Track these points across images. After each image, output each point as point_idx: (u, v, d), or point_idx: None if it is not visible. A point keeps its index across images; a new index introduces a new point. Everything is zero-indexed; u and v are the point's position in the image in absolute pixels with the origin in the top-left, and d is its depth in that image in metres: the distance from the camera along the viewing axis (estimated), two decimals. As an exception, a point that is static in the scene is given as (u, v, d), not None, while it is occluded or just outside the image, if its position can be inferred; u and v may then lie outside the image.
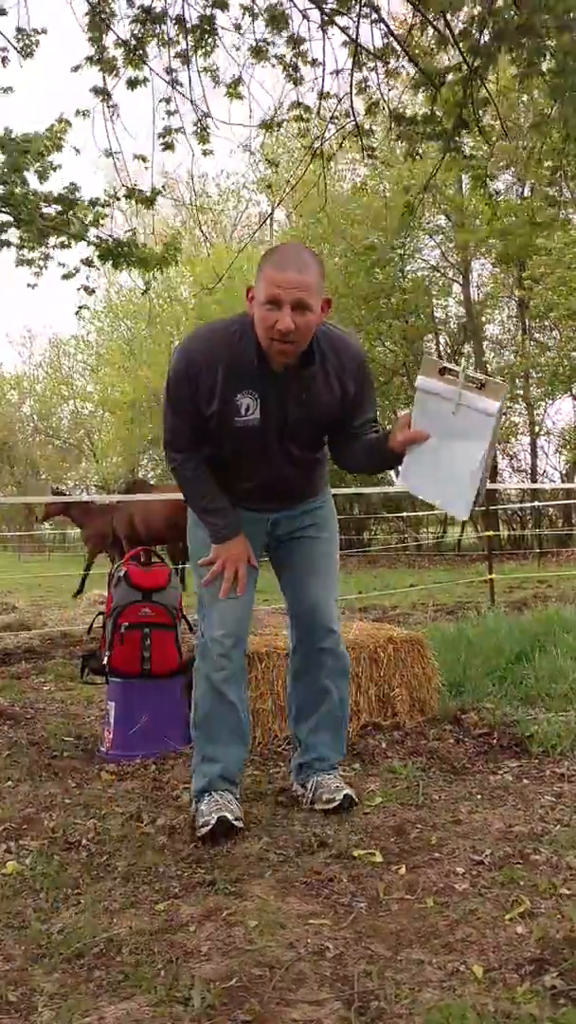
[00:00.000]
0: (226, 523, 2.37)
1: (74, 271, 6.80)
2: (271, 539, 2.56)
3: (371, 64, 5.10)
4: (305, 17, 4.90)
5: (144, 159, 5.60)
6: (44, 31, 5.22)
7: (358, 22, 4.87)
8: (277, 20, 4.89)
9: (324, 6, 4.79)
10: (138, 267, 7.07)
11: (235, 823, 2.25)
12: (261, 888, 1.94)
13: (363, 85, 5.28)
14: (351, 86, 5.19)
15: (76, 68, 5.04)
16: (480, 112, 5.30)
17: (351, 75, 5.13)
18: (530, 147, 5.50)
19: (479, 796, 2.53)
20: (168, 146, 5.35)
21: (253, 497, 2.44)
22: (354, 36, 4.89)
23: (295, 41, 5.06)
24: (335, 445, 2.44)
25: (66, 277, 6.85)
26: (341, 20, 4.91)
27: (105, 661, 3.17)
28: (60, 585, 13.44)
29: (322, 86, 5.29)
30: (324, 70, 5.17)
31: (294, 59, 5.15)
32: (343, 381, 2.29)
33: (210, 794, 2.34)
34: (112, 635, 3.17)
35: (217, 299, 21.56)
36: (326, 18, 4.80)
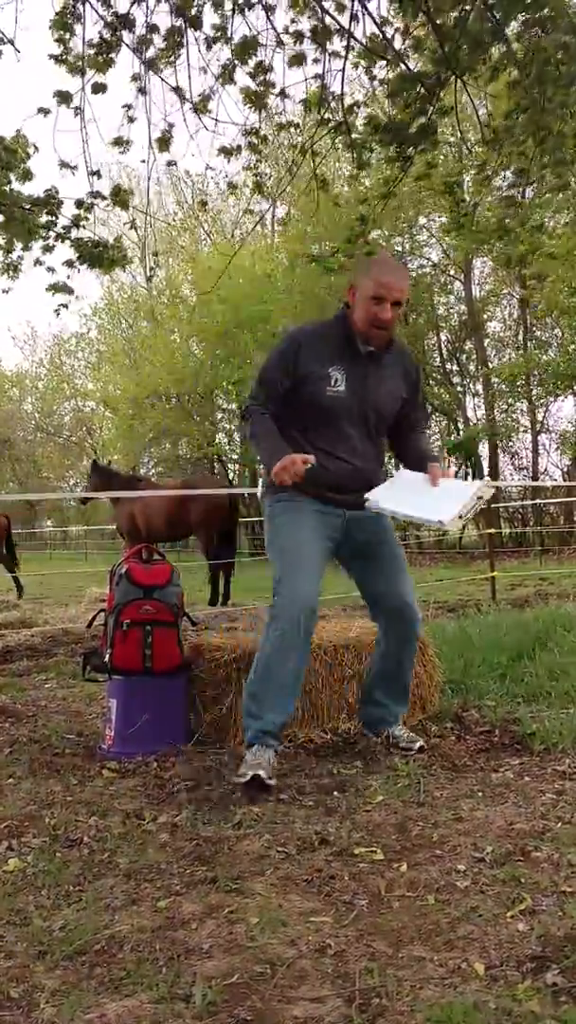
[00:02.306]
0: (280, 447, 2.75)
1: (60, 284, 6.80)
2: (349, 541, 2.92)
3: (346, 87, 5.07)
4: (280, 44, 4.83)
5: (98, 174, 5.56)
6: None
7: (351, 19, 4.84)
8: (246, 47, 4.84)
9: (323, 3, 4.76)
10: (106, 268, 7.10)
11: (268, 781, 2.56)
12: (262, 885, 1.94)
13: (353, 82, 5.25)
14: (343, 81, 5.16)
15: (57, 60, 4.97)
16: (448, 116, 5.29)
17: (343, 70, 5.09)
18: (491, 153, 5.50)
19: (480, 793, 2.53)
20: (162, 147, 5.30)
21: (336, 473, 2.83)
22: (348, 30, 4.86)
23: (263, 69, 5.01)
24: (394, 433, 3.02)
25: (54, 289, 6.83)
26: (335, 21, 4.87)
27: (107, 658, 3.17)
28: (61, 582, 13.44)
29: (321, 81, 5.24)
30: (324, 64, 5.12)
31: (260, 87, 5.09)
32: (406, 378, 2.96)
33: (252, 747, 2.69)
34: (114, 632, 3.17)
35: (221, 297, 21.60)
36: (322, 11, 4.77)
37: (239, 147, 5.35)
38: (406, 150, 5.21)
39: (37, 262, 6.74)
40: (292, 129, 5.54)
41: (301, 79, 5.23)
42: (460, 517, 2.60)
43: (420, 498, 2.70)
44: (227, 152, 5.39)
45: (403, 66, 4.92)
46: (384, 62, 4.96)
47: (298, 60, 4.84)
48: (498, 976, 1.52)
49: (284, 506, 2.85)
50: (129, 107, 5.04)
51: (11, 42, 4.91)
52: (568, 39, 4.27)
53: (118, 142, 5.24)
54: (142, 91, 4.88)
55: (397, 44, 4.92)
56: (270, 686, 2.71)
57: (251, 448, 3.06)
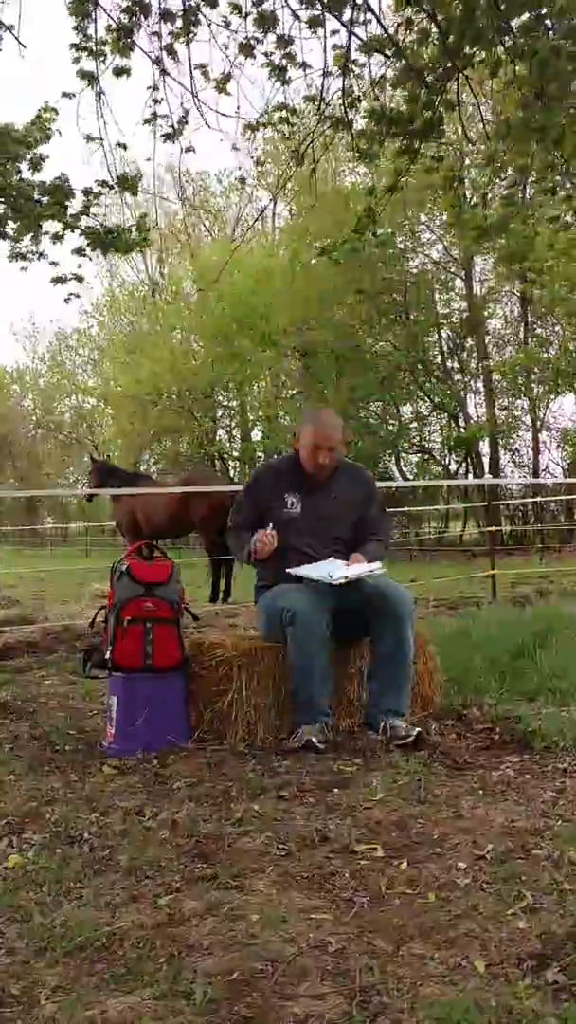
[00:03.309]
0: (247, 538, 3.39)
1: (67, 276, 6.79)
2: None
3: (361, 61, 5.07)
4: (296, 17, 4.84)
5: (124, 147, 5.58)
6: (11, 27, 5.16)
7: (352, 16, 4.83)
8: (265, 19, 4.84)
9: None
10: (121, 251, 7.10)
11: (319, 746, 2.99)
12: (263, 883, 1.94)
13: (354, 79, 5.24)
14: (343, 81, 5.15)
15: (76, 59, 4.98)
16: (455, 110, 5.27)
17: (344, 68, 5.08)
18: (492, 150, 5.49)
19: (481, 791, 2.53)
20: (169, 136, 5.30)
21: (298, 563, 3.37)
22: (348, 26, 4.85)
23: (284, 41, 5.01)
24: (352, 540, 3.47)
25: (57, 281, 6.82)
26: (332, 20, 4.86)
27: (107, 655, 3.17)
28: (61, 579, 13.44)
29: (322, 88, 5.24)
30: (325, 64, 5.12)
31: (282, 60, 5.09)
32: (361, 489, 3.54)
33: (306, 724, 3.08)
34: (114, 629, 3.17)
35: (221, 293, 21.57)
36: (321, 8, 4.76)
37: (264, 124, 5.36)
38: (413, 143, 5.21)
39: (41, 256, 6.73)
40: (314, 103, 5.51)
41: (319, 56, 5.20)
42: (346, 578, 3.14)
43: (328, 568, 3.24)
44: (252, 128, 5.40)
45: (404, 60, 4.91)
46: (386, 56, 4.95)
47: (316, 23, 4.84)
48: (498, 974, 1.52)
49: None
50: (155, 88, 5.06)
51: (10, 29, 4.90)
52: (563, 43, 4.26)
53: (149, 121, 5.24)
54: (164, 72, 4.89)
55: (399, 38, 4.92)
56: (312, 682, 3.12)
57: (233, 553, 3.64)
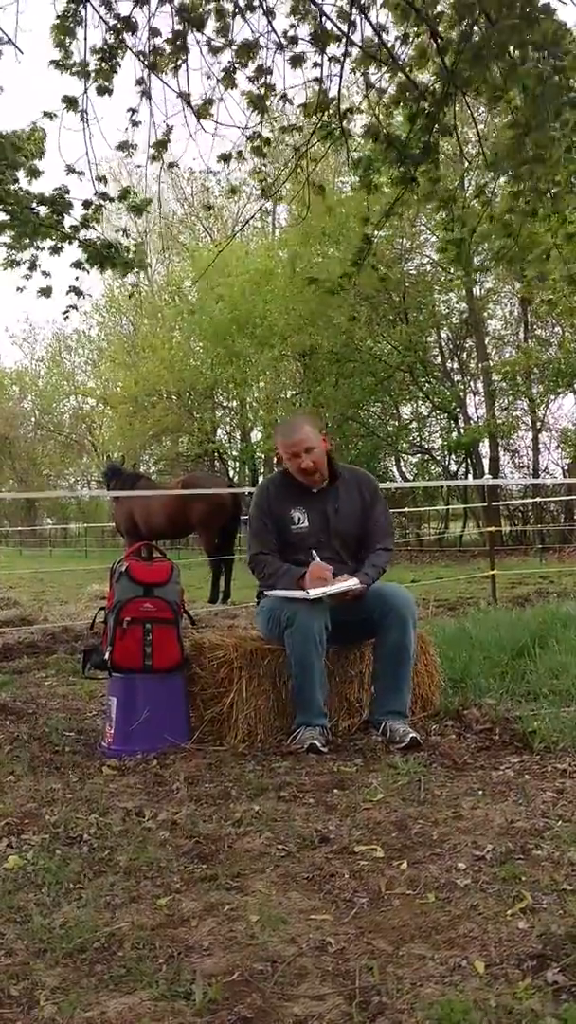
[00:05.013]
0: (295, 570, 3.27)
1: (49, 289, 6.76)
2: None
3: (352, 80, 5.07)
4: (280, 48, 4.82)
5: (104, 180, 5.58)
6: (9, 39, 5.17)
7: (349, 27, 4.82)
8: (246, 48, 4.82)
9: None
10: (120, 270, 7.07)
11: (322, 749, 3.00)
12: (263, 883, 1.94)
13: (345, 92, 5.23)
14: (340, 85, 5.14)
15: (58, 66, 4.95)
16: (451, 135, 5.27)
17: (340, 75, 5.07)
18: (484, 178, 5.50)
19: (481, 792, 2.53)
20: (156, 156, 5.29)
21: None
22: (346, 37, 4.84)
23: (263, 72, 4.99)
24: (356, 552, 3.44)
25: (44, 293, 6.79)
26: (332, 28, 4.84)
27: (107, 656, 3.17)
28: (61, 580, 13.44)
29: (319, 85, 5.22)
30: (324, 69, 5.10)
31: (260, 90, 5.07)
32: (363, 493, 3.46)
33: (306, 727, 3.10)
34: (114, 630, 3.17)
35: (219, 294, 21.57)
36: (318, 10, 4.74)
37: (239, 152, 5.34)
38: (411, 170, 5.19)
39: (33, 266, 6.70)
40: (294, 132, 5.51)
41: (301, 83, 5.22)
42: (323, 593, 3.12)
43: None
44: (226, 158, 5.39)
45: (403, 75, 4.89)
46: (383, 68, 4.94)
47: (298, 61, 4.83)
48: (498, 974, 1.52)
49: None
50: (134, 111, 5.04)
51: (11, 41, 4.90)
52: (551, 63, 4.25)
53: (123, 146, 5.24)
54: (146, 95, 4.87)
55: (397, 52, 4.90)
56: (312, 684, 3.12)
57: (269, 583, 3.38)
